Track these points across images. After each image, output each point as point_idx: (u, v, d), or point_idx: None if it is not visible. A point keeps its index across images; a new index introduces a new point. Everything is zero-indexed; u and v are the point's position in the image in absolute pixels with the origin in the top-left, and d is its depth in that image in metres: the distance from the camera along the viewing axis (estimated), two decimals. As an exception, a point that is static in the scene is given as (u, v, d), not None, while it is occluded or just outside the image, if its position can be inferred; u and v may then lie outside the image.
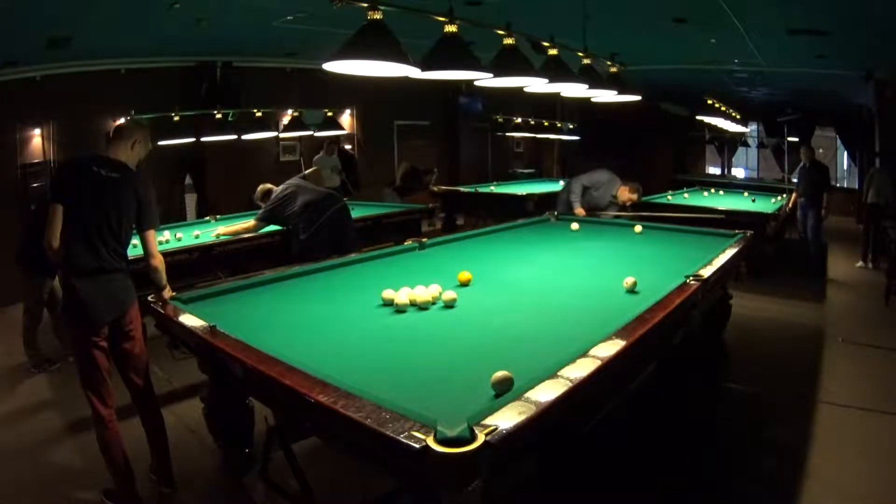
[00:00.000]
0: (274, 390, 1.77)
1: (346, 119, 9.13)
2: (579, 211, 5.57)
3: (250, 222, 4.63)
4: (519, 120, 10.12)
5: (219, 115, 6.21)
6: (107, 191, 2.40)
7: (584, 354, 1.78)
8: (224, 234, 4.53)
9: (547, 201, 6.71)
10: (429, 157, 10.22)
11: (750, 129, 13.86)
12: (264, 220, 4.54)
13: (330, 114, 7.42)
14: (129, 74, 6.65)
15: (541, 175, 11.62)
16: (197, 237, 4.70)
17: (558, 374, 1.64)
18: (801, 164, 7.29)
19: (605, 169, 5.89)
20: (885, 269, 5.84)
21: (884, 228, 6.28)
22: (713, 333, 4.12)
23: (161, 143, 6.13)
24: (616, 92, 4.16)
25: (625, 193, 5.67)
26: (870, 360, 3.97)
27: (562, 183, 9.50)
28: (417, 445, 1.27)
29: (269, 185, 4.76)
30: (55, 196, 2.37)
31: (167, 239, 4.74)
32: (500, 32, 3.05)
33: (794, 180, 7.97)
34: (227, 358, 1.97)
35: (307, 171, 5.12)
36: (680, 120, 12.26)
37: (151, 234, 2.55)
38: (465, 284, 2.82)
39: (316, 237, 4.27)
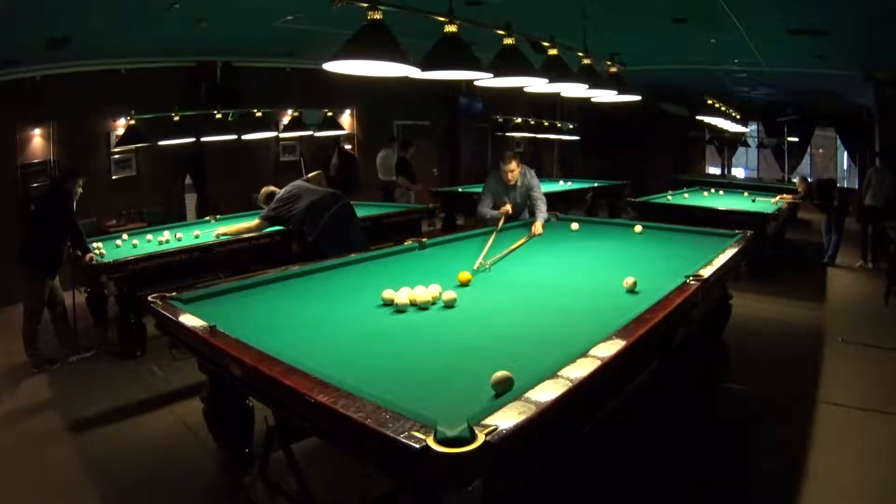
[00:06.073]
0: (274, 390, 1.77)
1: (346, 119, 9.13)
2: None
3: (254, 221, 4.63)
4: (519, 120, 10.09)
5: (219, 115, 6.20)
6: None
7: (584, 354, 1.78)
8: (225, 234, 4.53)
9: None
10: (429, 156, 10.22)
11: (750, 129, 13.85)
12: (269, 220, 4.54)
13: (330, 114, 7.43)
14: (129, 74, 6.65)
15: (540, 175, 11.55)
16: (197, 237, 4.70)
17: (558, 374, 1.64)
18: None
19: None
20: (885, 269, 5.83)
21: (883, 228, 6.28)
22: (713, 333, 4.12)
23: (161, 143, 6.14)
24: (616, 92, 4.17)
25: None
26: (870, 360, 3.96)
27: (561, 183, 9.54)
28: (417, 445, 1.27)
29: (272, 188, 4.76)
30: None
31: (167, 239, 4.74)
32: (500, 32, 3.05)
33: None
34: (227, 358, 1.97)
35: (310, 175, 5.12)
36: (680, 120, 12.25)
37: None
38: (465, 284, 2.82)
39: (323, 237, 4.27)
